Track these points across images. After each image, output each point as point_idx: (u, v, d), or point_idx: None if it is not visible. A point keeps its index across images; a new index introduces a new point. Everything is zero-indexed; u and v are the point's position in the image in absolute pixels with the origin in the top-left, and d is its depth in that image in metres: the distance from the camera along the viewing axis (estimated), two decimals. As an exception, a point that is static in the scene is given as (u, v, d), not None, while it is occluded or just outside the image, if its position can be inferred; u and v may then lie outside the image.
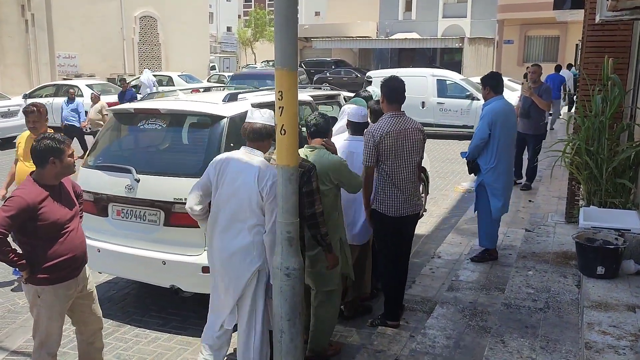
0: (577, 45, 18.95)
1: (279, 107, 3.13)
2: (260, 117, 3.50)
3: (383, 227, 4.22)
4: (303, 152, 3.83)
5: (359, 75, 28.76)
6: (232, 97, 4.82)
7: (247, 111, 4.56)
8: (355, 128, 4.51)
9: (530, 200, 7.77)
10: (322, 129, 3.96)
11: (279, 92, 3.13)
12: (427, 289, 5.09)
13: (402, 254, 4.37)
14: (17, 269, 3.30)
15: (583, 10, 6.45)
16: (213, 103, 4.76)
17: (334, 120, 5.33)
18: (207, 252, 3.68)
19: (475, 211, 5.54)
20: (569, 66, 18.71)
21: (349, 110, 4.66)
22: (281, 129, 3.14)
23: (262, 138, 3.47)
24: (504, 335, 3.72)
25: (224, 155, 3.56)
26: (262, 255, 3.40)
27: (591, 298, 3.71)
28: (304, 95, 5.73)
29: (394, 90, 4.12)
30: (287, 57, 3.11)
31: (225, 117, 4.51)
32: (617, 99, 4.87)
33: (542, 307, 4.08)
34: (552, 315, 3.95)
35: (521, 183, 8.70)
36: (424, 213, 6.24)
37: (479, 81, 5.66)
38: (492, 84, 5.29)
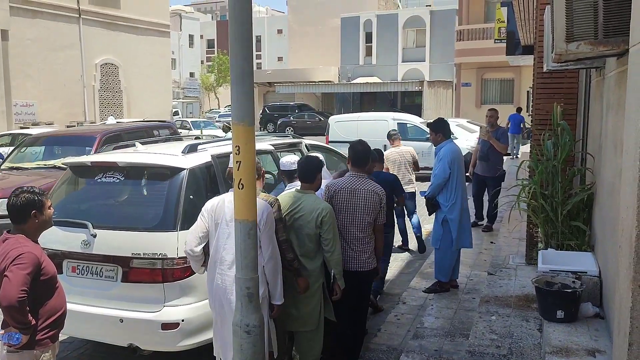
0: (527, 91, 19.95)
1: (237, 162, 3.13)
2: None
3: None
4: (294, 194, 4.12)
5: (322, 118, 29.18)
6: (191, 149, 4.79)
7: (206, 162, 4.60)
8: (288, 176, 4.60)
9: (492, 242, 7.88)
10: (310, 173, 4.17)
11: (236, 146, 3.13)
12: (393, 336, 5.04)
13: (356, 307, 4.39)
14: (14, 334, 3.02)
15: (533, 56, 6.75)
16: (172, 155, 4.71)
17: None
18: (209, 295, 3.86)
19: (437, 246, 5.76)
20: (519, 109, 19.94)
21: (281, 160, 4.78)
22: (239, 183, 3.14)
23: None
24: (469, 385, 3.70)
25: (215, 199, 3.83)
26: (264, 283, 3.61)
27: (552, 343, 3.74)
28: (265, 144, 5.75)
29: (358, 153, 4.45)
30: (243, 112, 3.13)
31: (184, 168, 4.46)
32: (567, 145, 5.05)
33: (505, 353, 4.09)
34: (515, 361, 3.96)
35: (482, 224, 8.85)
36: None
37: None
38: (444, 130, 5.87)
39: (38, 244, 3.21)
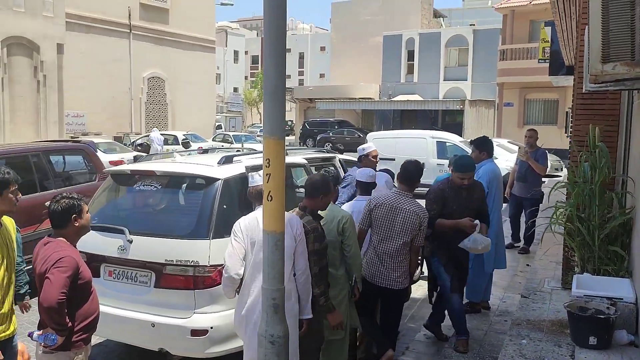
0: (567, 112, 19.30)
1: (267, 174, 3.20)
2: (260, 179, 3.70)
3: (363, 287, 4.40)
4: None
5: (361, 135, 29.19)
6: (227, 160, 4.92)
7: (241, 173, 4.72)
8: (363, 188, 4.90)
9: (528, 265, 7.71)
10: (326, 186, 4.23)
11: (266, 159, 3.20)
12: (420, 356, 5.00)
13: (387, 322, 4.58)
14: (50, 335, 3.13)
15: (574, 78, 6.64)
16: (208, 165, 4.85)
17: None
18: (240, 320, 3.76)
19: (470, 266, 5.66)
20: None
21: (358, 171, 5.13)
22: (268, 195, 3.20)
23: None
24: (495, 407, 3.63)
25: (246, 218, 3.76)
26: (295, 297, 3.65)
27: (583, 369, 3.64)
28: (298, 157, 5.84)
29: (408, 172, 4.56)
30: (274, 127, 3.20)
31: (219, 179, 4.58)
32: (604, 168, 4.94)
33: (534, 378, 4.00)
34: (544, 386, 3.86)
35: (519, 246, 8.67)
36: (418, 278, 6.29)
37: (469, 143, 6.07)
38: (488, 148, 5.92)
39: (76, 248, 3.33)
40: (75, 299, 3.20)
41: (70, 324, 3.17)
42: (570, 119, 6.56)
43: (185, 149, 14.52)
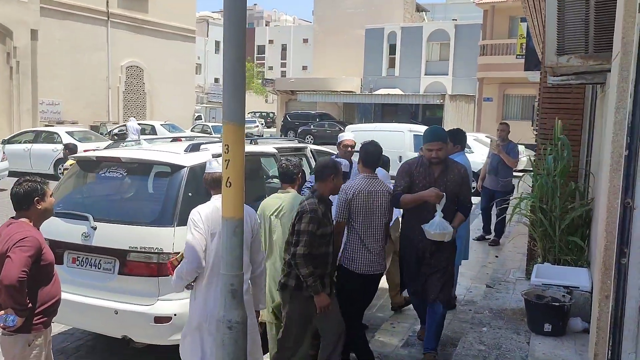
0: (533, 105, 19.45)
1: (225, 160, 3.21)
2: (218, 166, 3.64)
3: (349, 283, 4.23)
4: (277, 195, 4.33)
5: (342, 128, 29.21)
6: (194, 148, 4.91)
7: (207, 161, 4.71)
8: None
9: (496, 256, 7.84)
10: (288, 174, 4.36)
11: (225, 145, 3.21)
12: (385, 345, 5.05)
13: (362, 307, 4.45)
14: (10, 316, 3.14)
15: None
16: (174, 153, 4.83)
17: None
18: (197, 312, 3.63)
19: None
20: None
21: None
22: (227, 181, 3.21)
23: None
24: (450, 392, 3.71)
25: (204, 207, 3.60)
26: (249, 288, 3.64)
27: (536, 355, 3.73)
28: (269, 147, 5.85)
29: (370, 155, 4.36)
30: (234, 112, 3.21)
31: (185, 166, 4.57)
32: (565, 159, 5.04)
33: (491, 364, 4.09)
34: (500, 372, 3.96)
35: (489, 238, 8.80)
36: None
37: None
38: (462, 140, 5.65)
39: (39, 231, 3.33)
40: (36, 281, 3.20)
41: (30, 305, 3.16)
42: (537, 113, 6.66)
43: (119, 140, 14.25)
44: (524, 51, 17.44)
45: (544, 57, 6.36)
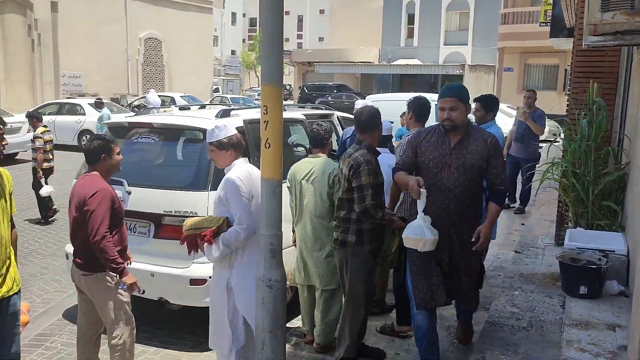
0: (565, 70, 18.91)
1: (264, 122, 3.21)
2: (233, 129, 3.61)
3: None
4: (307, 160, 4.29)
5: (360, 99, 29.01)
6: (225, 113, 4.92)
7: (239, 126, 4.71)
8: (381, 141, 4.53)
9: (522, 224, 7.80)
10: (319, 139, 4.32)
11: (264, 106, 3.21)
12: (415, 307, 5.09)
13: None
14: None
15: (575, 37, 6.59)
16: (206, 118, 4.85)
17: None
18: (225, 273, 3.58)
19: None
20: None
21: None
22: (266, 142, 3.22)
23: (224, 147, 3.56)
24: (486, 352, 3.74)
25: (238, 172, 3.48)
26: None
27: (572, 317, 3.74)
28: (297, 113, 5.83)
29: (423, 107, 4.44)
30: (272, 73, 3.20)
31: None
32: (602, 123, 4.96)
33: (525, 325, 4.11)
34: (534, 333, 3.97)
35: (514, 207, 8.75)
36: None
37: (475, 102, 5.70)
38: (495, 109, 5.42)
39: (107, 183, 3.59)
40: (112, 225, 3.48)
41: (119, 259, 3.44)
42: (569, 78, 6.54)
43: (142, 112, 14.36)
44: (549, 18, 17.05)
45: (577, 22, 6.23)
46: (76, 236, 3.54)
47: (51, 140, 8.54)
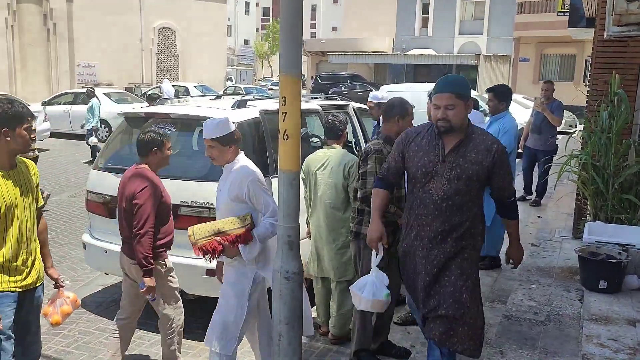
0: (586, 61, 18.65)
1: (283, 113, 3.19)
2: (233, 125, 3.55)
3: None
4: (322, 151, 4.30)
5: (373, 89, 28.84)
6: (241, 104, 4.90)
7: (255, 117, 4.71)
8: None
9: (539, 216, 7.73)
10: (334, 130, 4.32)
11: (282, 97, 3.19)
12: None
13: None
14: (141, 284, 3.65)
15: (595, 27, 6.47)
16: (222, 109, 4.84)
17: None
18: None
19: (488, 223, 5.56)
20: None
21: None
22: (284, 134, 3.20)
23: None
24: (503, 347, 3.71)
25: (254, 166, 3.53)
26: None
27: (592, 311, 3.70)
28: (313, 104, 5.80)
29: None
30: (291, 63, 3.17)
31: (233, 122, 4.56)
32: (623, 115, 4.88)
33: (543, 320, 4.07)
34: (552, 328, 3.93)
35: (531, 199, 8.67)
36: None
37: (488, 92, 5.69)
38: (508, 99, 5.48)
39: (157, 176, 3.71)
40: (158, 218, 3.61)
41: (152, 264, 3.58)
42: (590, 69, 6.44)
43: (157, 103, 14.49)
44: (566, 7, 16.80)
45: (598, 11, 6.11)
46: (125, 226, 3.69)
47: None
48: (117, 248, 4.67)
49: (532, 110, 8.79)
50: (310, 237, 4.39)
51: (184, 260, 4.42)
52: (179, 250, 4.44)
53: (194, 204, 4.37)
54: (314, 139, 6.47)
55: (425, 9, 35.90)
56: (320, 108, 5.78)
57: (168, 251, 3.85)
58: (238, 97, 5.28)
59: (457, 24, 35.09)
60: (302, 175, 4.26)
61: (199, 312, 4.82)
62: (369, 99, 6.18)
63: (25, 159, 3.14)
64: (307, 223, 4.40)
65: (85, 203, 5.07)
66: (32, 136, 2.99)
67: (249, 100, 5.11)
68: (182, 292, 4.54)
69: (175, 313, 3.86)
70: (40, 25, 19.38)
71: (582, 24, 12.53)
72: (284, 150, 3.23)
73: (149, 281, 3.58)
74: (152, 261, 3.56)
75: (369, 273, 3.20)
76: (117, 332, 3.92)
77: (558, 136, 8.92)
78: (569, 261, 5.31)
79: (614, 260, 4.00)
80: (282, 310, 3.32)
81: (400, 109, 3.73)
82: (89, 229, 5.07)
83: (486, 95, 5.72)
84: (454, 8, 34.83)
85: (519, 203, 7.51)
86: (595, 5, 7.95)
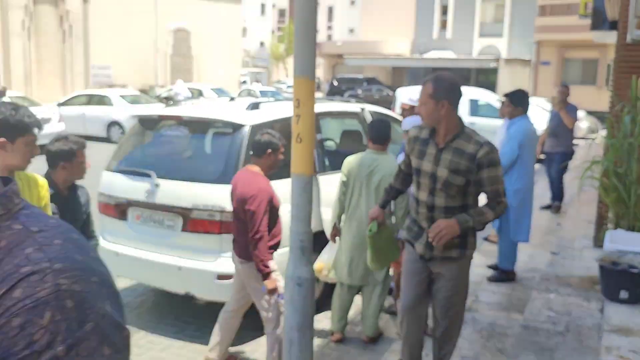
0: (608, 65, 18.41)
1: (296, 115, 3.13)
2: None
3: None
4: (370, 155, 4.15)
5: (390, 93, 28.68)
6: (255, 106, 4.85)
7: (269, 120, 4.65)
8: None
9: (558, 224, 7.57)
10: (382, 136, 4.21)
11: (296, 100, 3.13)
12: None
13: None
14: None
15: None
16: (236, 111, 4.79)
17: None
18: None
19: (497, 231, 5.44)
20: None
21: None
22: (297, 137, 3.14)
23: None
24: (520, 357, 3.61)
25: None
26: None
27: (612, 322, 3.58)
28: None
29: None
30: (305, 66, 3.11)
31: (246, 125, 4.52)
32: (646, 120, 4.74)
33: (561, 330, 3.96)
34: (571, 339, 3.82)
35: (553, 205, 8.45)
36: None
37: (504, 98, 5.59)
38: (525, 104, 5.33)
39: (267, 179, 3.71)
40: (270, 220, 3.66)
41: (270, 263, 3.57)
42: (612, 73, 6.28)
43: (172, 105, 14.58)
44: (589, 11, 16.51)
45: (621, 15, 5.96)
46: (235, 226, 3.77)
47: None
48: (128, 251, 4.67)
49: (550, 113, 8.64)
50: (334, 240, 4.32)
51: (195, 264, 4.37)
52: (190, 254, 4.40)
53: (205, 207, 4.31)
54: (328, 142, 6.40)
55: (444, 10, 35.62)
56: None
57: (273, 252, 3.82)
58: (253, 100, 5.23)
59: (476, 26, 34.73)
60: (343, 178, 4.22)
61: (212, 316, 4.77)
62: (403, 101, 5.90)
63: (30, 175, 2.77)
64: (334, 227, 4.32)
65: (97, 205, 5.05)
66: (35, 150, 2.56)
67: (263, 102, 5.05)
68: (193, 297, 4.51)
69: (277, 314, 3.82)
70: (56, 27, 19.59)
71: (604, 28, 12.29)
72: (297, 154, 3.16)
73: (268, 284, 3.59)
74: (269, 264, 3.56)
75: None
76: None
77: (576, 142, 8.73)
78: (589, 270, 5.17)
79: (636, 270, 3.87)
80: (293, 316, 3.25)
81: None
82: (101, 231, 5.06)
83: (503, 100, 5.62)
84: (474, 9, 34.48)
85: (541, 211, 7.31)
86: (618, 9, 7.78)
